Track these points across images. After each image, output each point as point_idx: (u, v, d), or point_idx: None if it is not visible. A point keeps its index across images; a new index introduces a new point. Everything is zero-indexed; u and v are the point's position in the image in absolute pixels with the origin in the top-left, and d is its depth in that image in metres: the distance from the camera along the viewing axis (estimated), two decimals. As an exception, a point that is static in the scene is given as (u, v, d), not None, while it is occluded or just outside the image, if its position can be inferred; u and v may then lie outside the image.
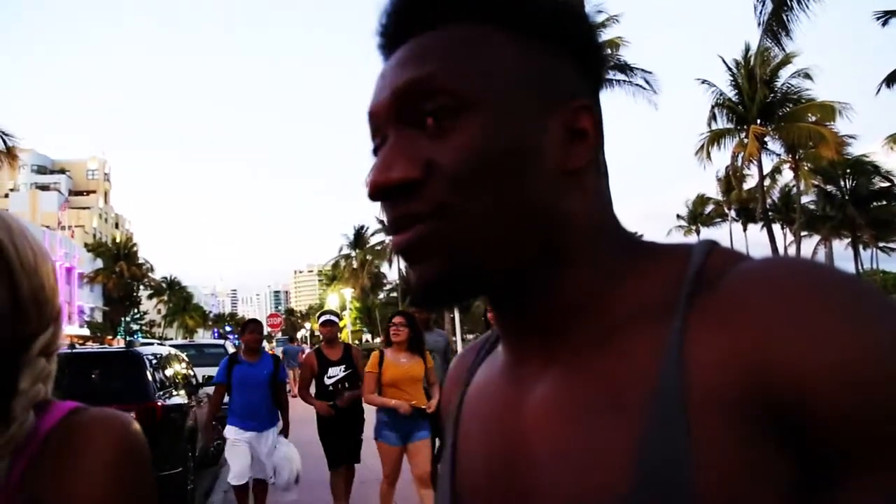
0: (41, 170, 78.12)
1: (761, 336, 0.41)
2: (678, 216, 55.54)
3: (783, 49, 16.24)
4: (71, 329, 49.99)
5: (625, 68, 21.82)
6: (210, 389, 9.07)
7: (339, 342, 5.82)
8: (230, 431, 5.57)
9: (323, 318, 5.83)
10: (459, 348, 20.53)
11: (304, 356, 5.69)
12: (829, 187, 37.27)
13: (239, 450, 5.53)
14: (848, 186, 37.32)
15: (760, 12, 15.01)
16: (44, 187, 72.21)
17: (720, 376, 0.42)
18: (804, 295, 0.41)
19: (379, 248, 52.55)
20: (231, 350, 14.74)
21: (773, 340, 0.41)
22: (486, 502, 0.55)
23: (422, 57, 0.52)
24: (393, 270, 54.18)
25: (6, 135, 22.37)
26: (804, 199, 37.16)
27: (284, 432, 5.79)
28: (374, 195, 0.51)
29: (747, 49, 29.06)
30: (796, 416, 0.39)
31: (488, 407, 0.58)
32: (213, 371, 10.21)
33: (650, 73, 21.81)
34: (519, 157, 0.50)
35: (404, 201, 0.50)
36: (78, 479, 0.68)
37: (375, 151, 0.54)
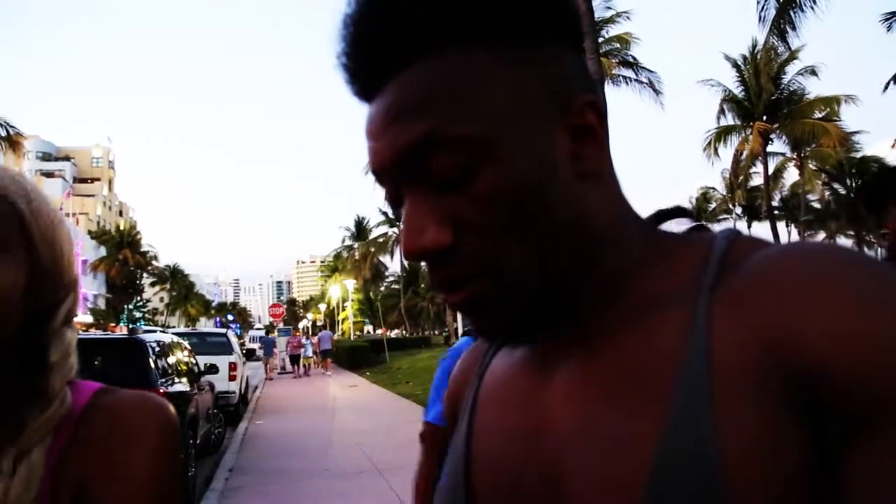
0: (46, 157, 78.14)
1: (784, 311, 0.42)
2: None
3: (789, 47, 16.14)
4: (74, 316, 50.07)
5: (633, 65, 21.71)
6: (213, 377, 9.12)
7: None
8: None
9: None
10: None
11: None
12: (836, 185, 37.12)
13: None
14: (854, 184, 37.19)
15: (763, 8, 14.93)
16: (48, 174, 72.20)
17: (744, 353, 0.43)
18: (826, 272, 0.43)
19: (381, 240, 52.49)
20: (234, 340, 14.67)
21: (796, 315, 0.42)
22: (506, 482, 0.54)
23: (417, 107, 0.48)
24: (395, 262, 54.25)
25: (9, 125, 22.51)
26: (810, 198, 37.07)
27: None
28: (410, 259, 0.50)
29: (754, 45, 28.89)
30: (818, 388, 0.40)
31: (509, 391, 0.58)
32: (214, 359, 10.27)
33: (654, 72, 21.74)
34: (542, 185, 0.48)
35: (443, 265, 0.49)
36: (128, 463, 0.69)
37: (389, 199, 0.53)
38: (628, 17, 22.55)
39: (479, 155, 0.47)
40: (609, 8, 21.94)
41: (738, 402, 0.42)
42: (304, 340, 25.72)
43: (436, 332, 55.89)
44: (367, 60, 0.51)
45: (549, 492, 0.51)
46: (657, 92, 21.51)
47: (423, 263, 0.51)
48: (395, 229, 49.14)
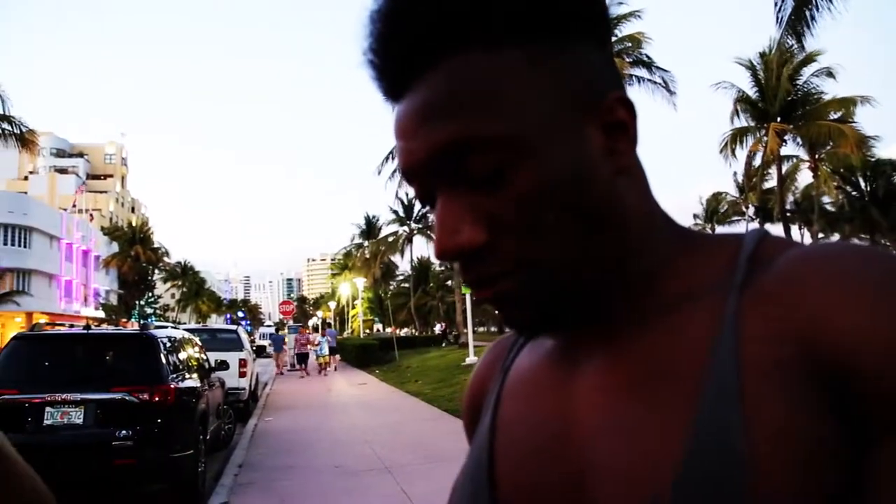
0: (60, 153, 78.71)
1: (813, 309, 0.43)
2: (695, 216, 55.06)
3: (803, 48, 15.93)
4: (86, 311, 50.54)
5: (648, 65, 21.55)
6: (223, 373, 9.14)
7: None
8: None
9: None
10: (471, 340, 20.50)
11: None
12: (850, 188, 36.76)
13: None
14: (869, 187, 36.85)
15: (780, 9, 14.73)
16: (62, 170, 72.75)
17: (773, 350, 0.43)
18: (856, 270, 0.43)
19: (391, 239, 52.51)
20: (244, 336, 14.70)
21: (825, 313, 0.42)
22: (530, 475, 0.54)
23: (449, 107, 0.48)
24: (405, 261, 54.27)
25: (22, 124, 22.83)
26: (824, 200, 36.73)
27: None
28: (443, 259, 0.50)
29: (771, 47, 28.57)
30: (847, 383, 0.41)
31: (535, 385, 0.58)
32: (224, 356, 10.31)
33: (668, 71, 21.58)
34: (576, 182, 0.48)
35: (477, 263, 0.49)
36: None
37: (420, 199, 0.53)
38: (639, 16, 22.42)
39: (512, 154, 0.47)
40: (622, 3, 21.78)
41: (767, 399, 0.42)
42: (318, 338, 24.34)
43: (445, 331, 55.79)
44: (395, 58, 0.50)
45: (573, 485, 0.50)
46: (671, 92, 21.39)
47: (445, 263, 0.51)
48: (406, 228, 49.23)
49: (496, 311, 0.52)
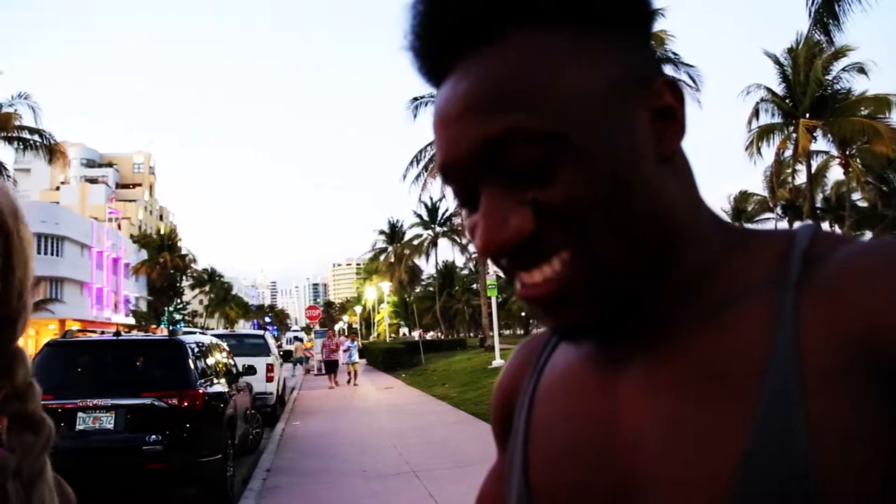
0: (90, 163, 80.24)
1: (877, 306, 0.41)
2: (722, 210, 54.31)
3: (832, 43, 15.55)
4: (117, 317, 51.38)
5: (674, 62, 21.31)
6: (251, 378, 9.23)
7: None
8: None
9: None
10: (497, 343, 20.42)
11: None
12: (883, 185, 35.94)
13: None
14: (902, 184, 35.99)
15: (812, 2, 14.38)
16: (92, 180, 74.15)
17: (835, 348, 0.42)
18: None
19: (416, 242, 52.60)
20: (271, 341, 14.82)
21: (889, 309, 0.40)
22: (570, 477, 0.53)
23: (499, 96, 0.45)
24: (430, 265, 54.32)
25: (51, 137, 23.72)
26: (854, 197, 36.01)
27: None
28: (490, 255, 0.48)
29: (798, 42, 28.02)
30: None
31: (574, 387, 0.56)
32: (252, 360, 10.42)
33: (693, 67, 21.31)
34: (625, 171, 0.46)
35: (525, 253, 0.47)
36: None
37: (459, 196, 0.51)
38: (663, 14, 22.18)
39: (563, 146, 0.45)
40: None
41: (831, 398, 0.40)
42: (347, 343, 22.62)
43: (471, 335, 55.71)
44: (437, 37, 0.49)
45: (619, 488, 0.49)
46: (697, 89, 21.13)
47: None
48: (430, 232, 49.30)
49: (543, 316, 0.50)
